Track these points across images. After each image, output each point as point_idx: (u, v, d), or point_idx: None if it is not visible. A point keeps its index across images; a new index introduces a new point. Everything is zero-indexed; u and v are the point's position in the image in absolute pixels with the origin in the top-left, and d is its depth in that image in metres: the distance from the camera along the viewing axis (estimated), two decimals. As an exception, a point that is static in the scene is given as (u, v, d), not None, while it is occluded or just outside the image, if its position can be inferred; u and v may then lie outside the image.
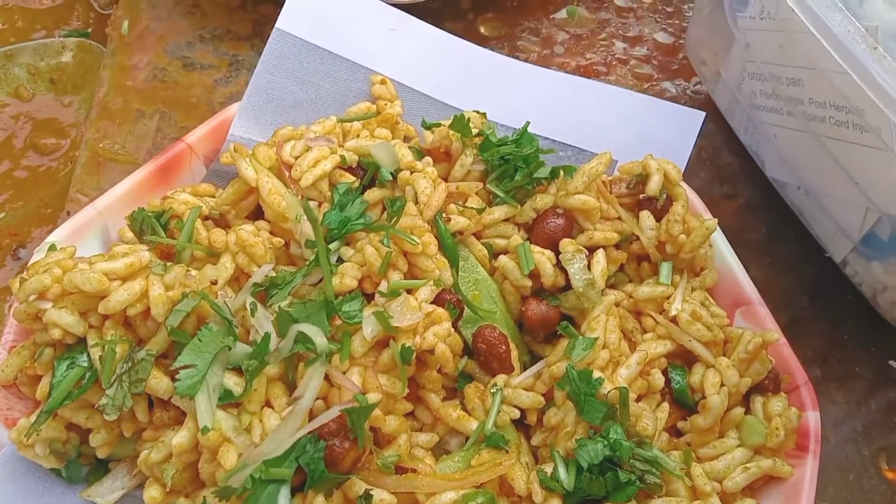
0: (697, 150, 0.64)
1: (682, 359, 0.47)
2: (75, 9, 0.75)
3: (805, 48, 0.49)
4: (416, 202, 0.46)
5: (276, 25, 0.55)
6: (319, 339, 0.38)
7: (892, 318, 0.54)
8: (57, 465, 0.41)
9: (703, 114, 0.54)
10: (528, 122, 0.51)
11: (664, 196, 0.49)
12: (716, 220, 0.48)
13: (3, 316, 0.60)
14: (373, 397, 0.38)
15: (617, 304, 0.47)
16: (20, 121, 0.71)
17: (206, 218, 0.46)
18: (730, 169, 0.63)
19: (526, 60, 0.66)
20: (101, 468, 0.43)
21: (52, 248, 0.46)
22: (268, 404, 0.39)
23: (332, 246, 0.45)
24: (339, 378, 0.38)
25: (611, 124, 0.55)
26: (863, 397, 0.54)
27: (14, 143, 0.69)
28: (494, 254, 0.48)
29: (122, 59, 0.63)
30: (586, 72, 0.67)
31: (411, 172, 0.47)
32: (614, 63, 0.67)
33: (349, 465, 0.37)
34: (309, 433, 0.36)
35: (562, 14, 0.70)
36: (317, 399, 0.38)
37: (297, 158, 0.47)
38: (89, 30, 0.73)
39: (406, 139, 0.54)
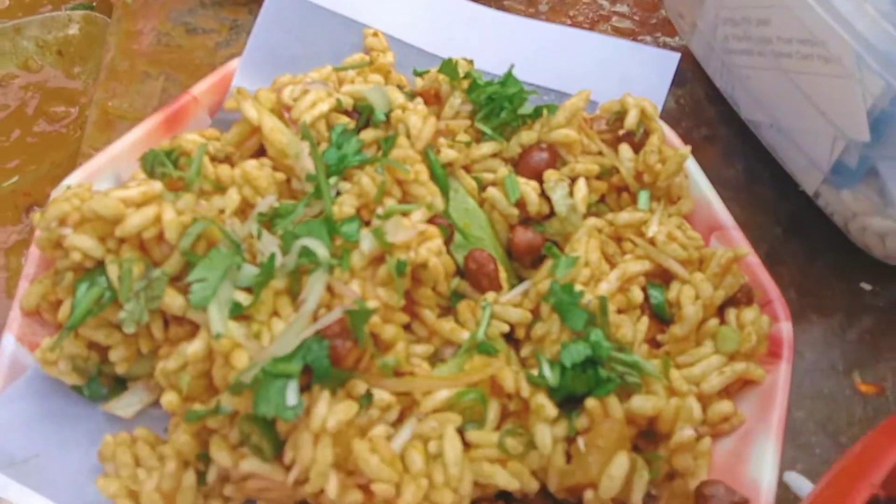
0: (676, 98, 0.67)
1: (661, 278, 0.50)
2: (80, -16, 0.79)
3: (771, -12, 0.53)
4: (408, 137, 0.49)
5: (273, -16, 0.58)
6: (321, 251, 0.41)
7: (862, 244, 0.57)
8: (79, 381, 0.44)
9: (678, 55, 0.58)
10: (512, 65, 0.54)
11: (642, 130, 0.52)
12: (689, 147, 0.51)
13: (21, 267, 0.63)
14: (371, 303, 0.41)
15: (599, 231, 0.50)
16: (30, 91, 0.74)
17: (212, 159, 0.49)
18: (707, 115, 0.66)
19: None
20: (119, 388, 0.46)
21: (68, 188, 0.49)
22: (275, 315, 0.42)
23: (331, 181, 0.48)
24: (339, 287, 0.41)
25: (592, 69, 0.58)
26: (836, 318, 0.57)
27: (25, 112, 0.73)
28: (483, 187, 0.51)
29: (127, 26, 0.66)
30: (570, 29, 0.70)
31: (403, 111, 0.51)
32: (597, 20, 0.71)
33: (351, 363, 0.40)
34: (314, 334, 0.39)
35: (546, -24, 0.73)
36: (320, 308, 0.41)
37: (295, 101, 0.50)
38: (94, 3, 0.76)
39: (398, 87, 0.57)
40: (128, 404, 0.45)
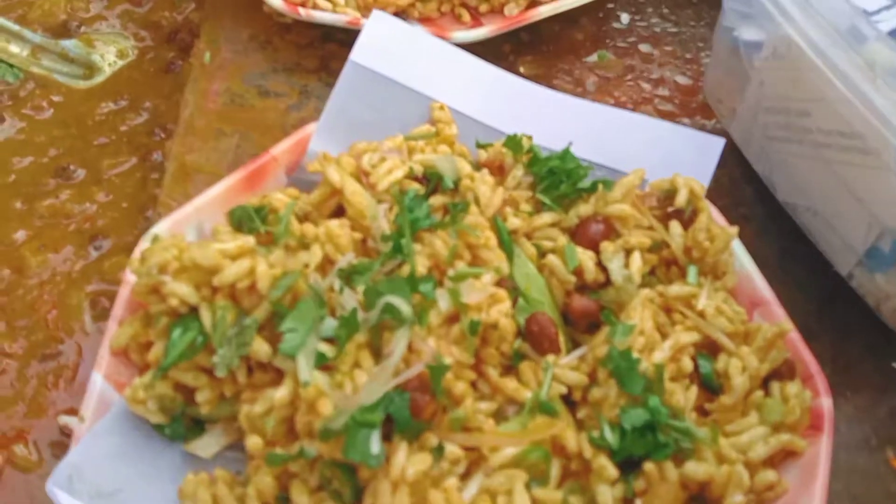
0: (716, 178, 0.71)
1: (708, 349, 0.53)
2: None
3: (814, 82, 0.57)
4: (478, 205, 0.53)
5: (350, 58, 0.63)
6: (405, 308, 0.44)
7: (894, 324, 0.60)
8: (164, 420, 0.47)
9: (723, 140, 0.62)
10: (570, 143, 0.58)
11: (690, 208, 0.56)
12: (736, 227, 0.55)
13: (82, 302, 0.66)
14: (448, 360, 0.44)
15: (651, 301, 0.53)
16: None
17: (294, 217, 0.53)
18: (744, 194, 0.70)
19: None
20: (196, 428, 0.49)
21: (156, 238, 0.53)
22: (356, 367, 0.44)
23: (403, 242, 0.52)
24: (419, 343, 0.44)
25: (639, 147, 0.63)
26: (869, 396, 0.60)
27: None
28: (542, 253, 0.54)
29: (204, 85, 0.71)
30: (615, 108, 0.74)
31: (471, 181, 0.54)
32: (640, 101, 0.75)
33: (429, 416, 0.43)
34: (396, 387, 0.42)
35: (592, 58, 0.78)
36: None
37: (373, 167, 0.54)
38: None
39: (460, 155, 0.62)
40: (208, 445, 0.47)
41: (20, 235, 0.69)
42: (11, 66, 0.81)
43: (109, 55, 0.84)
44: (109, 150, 0.75)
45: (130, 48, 0.85)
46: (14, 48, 0.82)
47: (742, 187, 0.71)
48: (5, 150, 0.74)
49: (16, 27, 0.83)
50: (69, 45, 0.84)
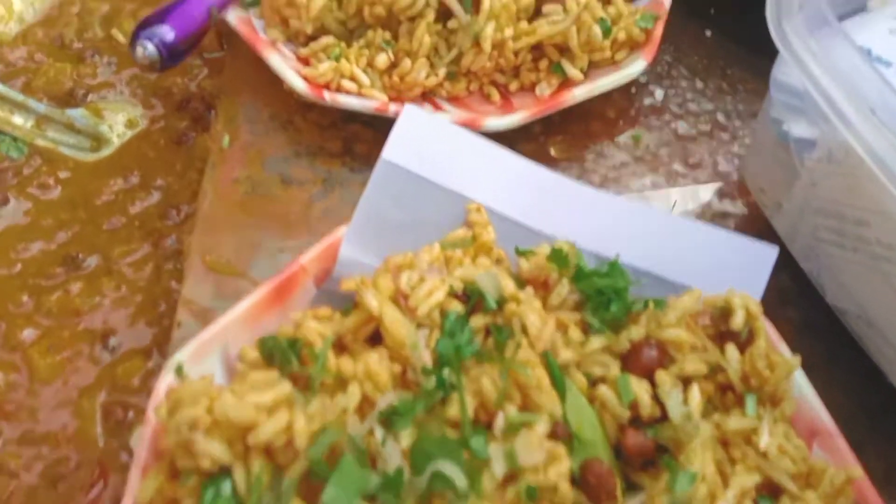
0: (757, 271, 0.68)
1: (768, 490, 0.49)
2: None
3: (874, 194, 0.54)
4: (525, 334, 0.49)
5: (382, 156, 0.59)
6: (459, 479, 0.41)
7: (953, 444, 0.57)
8: (193, 586, 0.43)
9: (777, 248, 0.59)
10: (618, 255, 0.55)
11: (746, 329, 0.53)
12: (798, 357, 0.52)
13: (94, 412, 0.62)
14: (506, 534, 0.41)
15: (709, 438, 0.50)
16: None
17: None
18: (789, 292, 0.67)
19: (592, 180, 0.71)
20: (227, 587, 0.45)
21: (179, 369, 0.49)
22: (404, 536, 0.41)
23: (445, 373, 0.48)
24: (474, 514, 0.40)
25: (687, 255, 0.59)
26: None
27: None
28: (591, 382, 0.51)
29: (222, 173, 0.67)
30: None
31: (517, 304, 0.51)
32: (677, 186, 0.72)
33: None
34: (453, 570, 0.39)
35: (625, 137, 0.75)
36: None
37: (413, 289, 0.51)
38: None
39: (497, 261, 0.58)
40: None
41: (28, 335, 0.65)
42: (15, 139, 0.77)
43: (118, 125, 0.80)
44: (121, 236, 0.72)
45: (140, 117, 0.81)
46: (18, 119, 0.79)
47: (786, 283, 0.68)
48: (10, 236, 0.71)
49: (20, 97, 0.79)
50: (76, 114, 0.80)
